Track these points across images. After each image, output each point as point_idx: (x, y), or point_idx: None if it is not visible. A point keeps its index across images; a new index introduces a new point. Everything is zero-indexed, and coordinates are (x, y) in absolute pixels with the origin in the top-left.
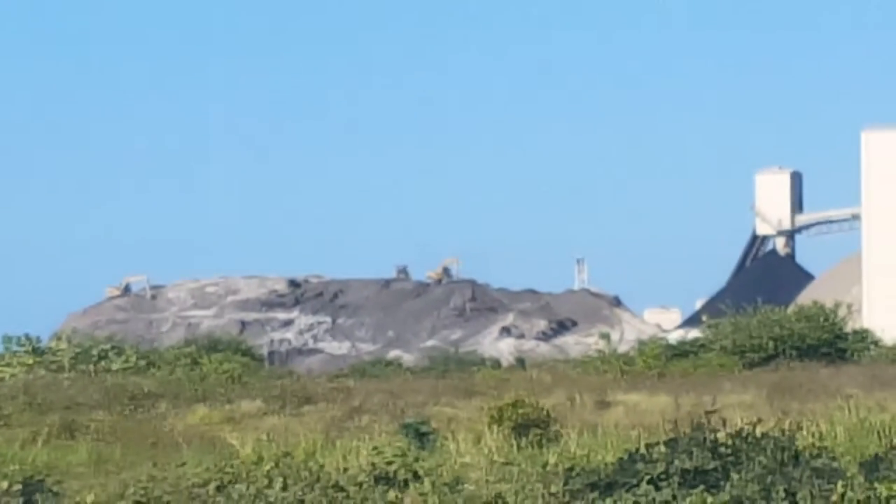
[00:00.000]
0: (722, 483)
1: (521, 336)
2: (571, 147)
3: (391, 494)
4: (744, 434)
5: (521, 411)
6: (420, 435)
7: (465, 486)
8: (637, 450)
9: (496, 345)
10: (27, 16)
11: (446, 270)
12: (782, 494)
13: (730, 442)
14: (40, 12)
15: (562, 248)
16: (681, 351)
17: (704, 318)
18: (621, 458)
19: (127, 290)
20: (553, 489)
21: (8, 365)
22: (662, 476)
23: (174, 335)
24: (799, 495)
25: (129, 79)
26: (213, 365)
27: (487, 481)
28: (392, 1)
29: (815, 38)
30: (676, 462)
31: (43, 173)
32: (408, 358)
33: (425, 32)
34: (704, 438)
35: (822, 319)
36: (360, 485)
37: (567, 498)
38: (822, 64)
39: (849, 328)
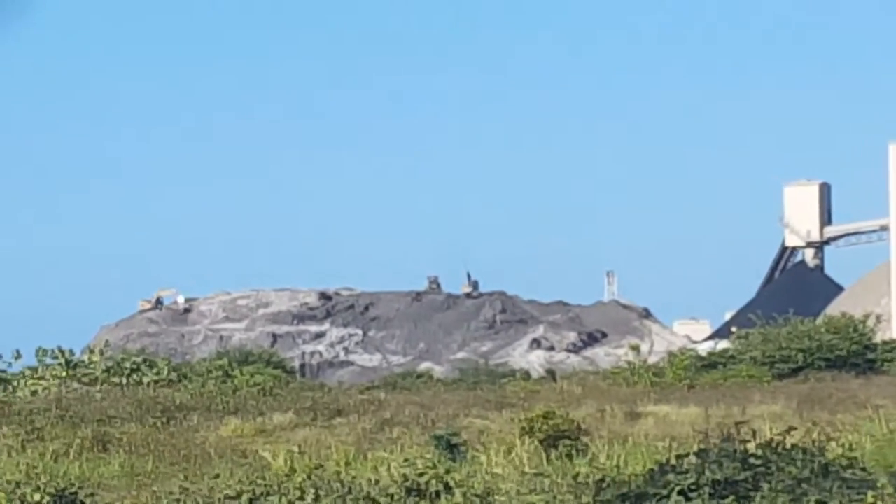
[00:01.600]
0: (752, 494)
1: (552, 348)
2: (601, 160)
3: None
4: (774, 445)
5: (551, 423)
6: (451, 447)
7: (497, 497)
8: (667, 461)
9: (526, 356)
10: (39, 24)
11: (475, 283)
12: None
13: (760, 453)
14: (60, 26)
15: (592, 261)
16: (710, 362)
17: (734, 329)
18: (652, 470)
19: (159, 303)
20: (584, 500)
21: (41, 378)
22: (693, 487)
23: (206, 348)
24: None
25: (160, 96)
26: (245, 377)
27: (518, 493)
28: (425, 9)
29: (843, 51)
30: (707, 473)
31: (75, 187)
32: (438, 370)
33: (456, 46)
34: (734, 450)
35: (851, 331)
36: (392, 496)
37: None
38: (850, 76)
39: (878, 339)
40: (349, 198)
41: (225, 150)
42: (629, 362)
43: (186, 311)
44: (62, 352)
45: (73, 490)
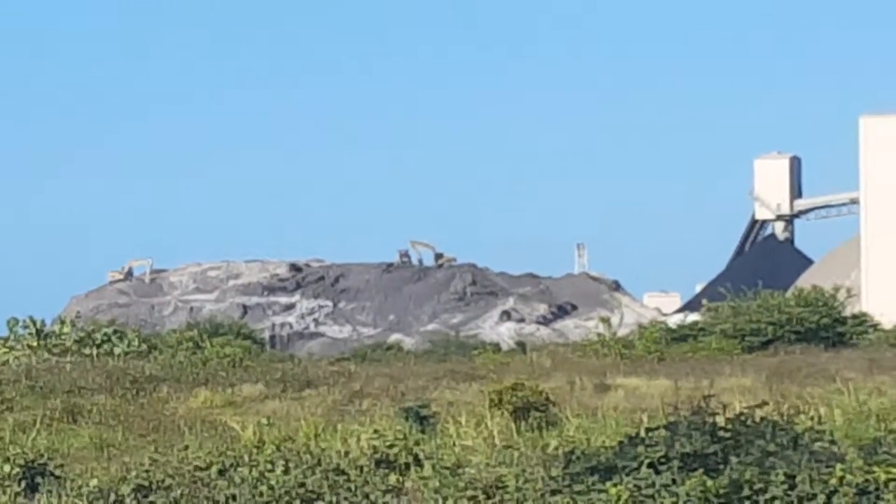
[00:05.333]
0: (721, 467)
1: (522, 320)
2: (571, 132)
3: (392, 478)
4: (743, 418)
5: (521, 395)
6: (421, 419)
7: (466, 469)
8: (637, 433)
9: (496, 329)
10: (40, 15)
11: (441, 255)
12: (781, 478)
13: (729, 426)
14: (53, 12)
15: (562, 233)
16: (680, 335)
17: (704, 302)
18: (621, 442)
19: (129, 274)
20: (553, 473)
21: (11, 348)
22: (662, 460)
23: (176, 319)
24: (798, 478)
25: (136, 72)
26: (215, 349)
27: (488, 465)
28: None
29: (814, 23)
30: (676, 446)
31: (47, 159)
32: (409, 342)
33: (423, 26)
34: (704, 423)
35: (820, 304)
36: (361, 468)
37: (567, 482)
38: (821, 49)
39: (847, 312)
40: (319, 169)
41: (196, 122)
42: (599, 334)
43: (153, 280)
44: (33, 322)
45: (43, 461)
